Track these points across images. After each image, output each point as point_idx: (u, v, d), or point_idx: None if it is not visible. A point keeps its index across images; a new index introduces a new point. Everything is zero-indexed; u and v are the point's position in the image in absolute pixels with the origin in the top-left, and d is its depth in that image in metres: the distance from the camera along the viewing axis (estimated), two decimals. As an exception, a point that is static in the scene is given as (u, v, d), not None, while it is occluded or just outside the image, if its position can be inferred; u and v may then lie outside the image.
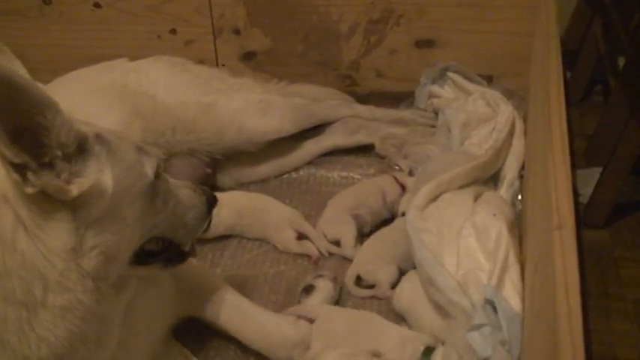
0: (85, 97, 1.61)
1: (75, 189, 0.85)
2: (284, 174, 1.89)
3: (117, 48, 2.09)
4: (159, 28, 2.15)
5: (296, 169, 1.90)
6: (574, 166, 1.69)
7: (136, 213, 0.96)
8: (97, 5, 2.13)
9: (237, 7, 2.08)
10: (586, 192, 1.74)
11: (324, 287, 1.42)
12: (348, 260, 1.54)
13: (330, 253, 1.58)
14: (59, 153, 0.84)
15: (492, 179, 1.64)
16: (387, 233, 1.55)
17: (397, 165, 1.88)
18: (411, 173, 1.78)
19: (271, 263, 1.58)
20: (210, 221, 1.21)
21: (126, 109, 1.63)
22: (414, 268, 1.37)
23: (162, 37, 2.16)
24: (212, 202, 1.19)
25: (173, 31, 2.15)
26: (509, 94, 1.87)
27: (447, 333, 1.22)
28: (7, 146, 0.78)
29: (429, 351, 1.23)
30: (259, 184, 1.86)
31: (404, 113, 2.00)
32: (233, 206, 1.64)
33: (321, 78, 2.15)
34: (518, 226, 1.45)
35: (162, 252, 1.09)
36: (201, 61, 1.95)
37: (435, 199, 1.47)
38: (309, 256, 1.58)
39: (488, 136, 1.72)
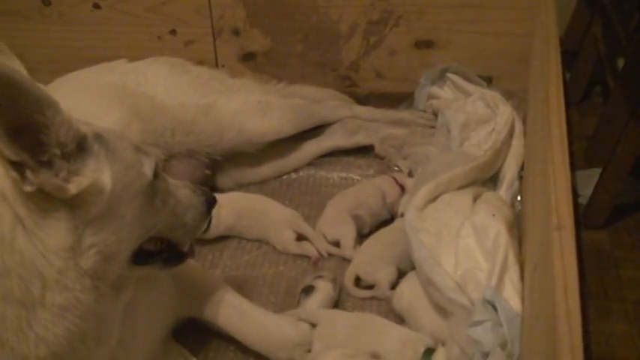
0: (84, 98, 1.61)
1: (73, 187, 0.85)
2: (283, 175, 1.89)
3: (116, 49, 2.09)
4: (159, 29, 2.15)
5: (295, 170, 1.90)
6: (573, 167, 1.69)
7: (134, 212, 0.96)
8: (96, 6, 2.13)
9: (236, 8, 2.08)
10: (585, 193, 1.73)
11: (323, 288, 1.41)
12: (347, 261, 1.53)
13: (330, 254, 1.58)
14: (58, 151, 0.84)
15: (492, 180, 1.64)
16: (386, 234, 1.55)
17: (397, 166, 1.87)
18: (410, 174, 1.77)
19: (270, 264, 1.58)
20: (209, 222, 1.21)
21: (125, 110, 1.63)
22: (413, 268, 1.37)
23: (162, 37, 2.16)
24: (211, 203, 1.19)
25: (173, 32, 2.15)
26: (508, 95, 1.87)
27: (448, 329, 1.22)
28: (6, 144, 0.78)
29: (429, 352, 1.22)
30: (259, 185, 1.86)
31: (403, 114, 2.00)
32: (232, 207, 1.64)
33: (320, 79, 2.15)
34: (517, 227, 1.45)
35: (161, 252, 1.09)
36: (200, 62, 1.94)
37: (434, 199, 1.47)
38: (308, 257, 1.58)
39: (487, 137, 1.72)
